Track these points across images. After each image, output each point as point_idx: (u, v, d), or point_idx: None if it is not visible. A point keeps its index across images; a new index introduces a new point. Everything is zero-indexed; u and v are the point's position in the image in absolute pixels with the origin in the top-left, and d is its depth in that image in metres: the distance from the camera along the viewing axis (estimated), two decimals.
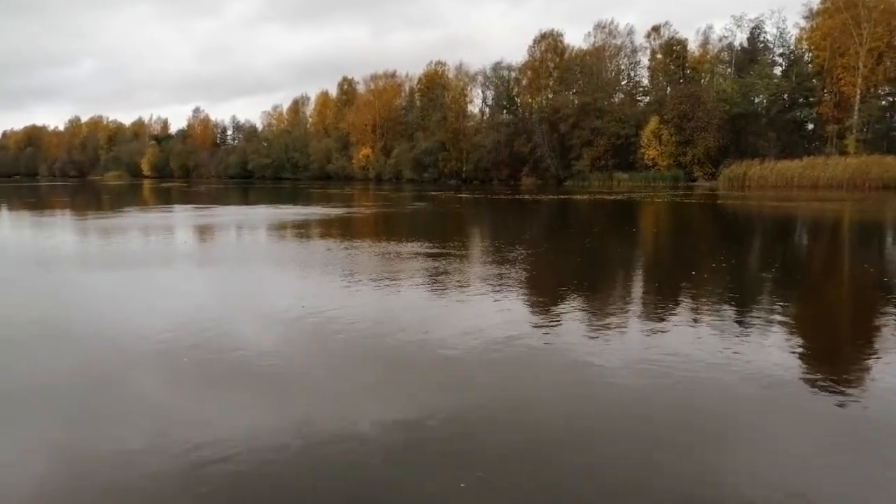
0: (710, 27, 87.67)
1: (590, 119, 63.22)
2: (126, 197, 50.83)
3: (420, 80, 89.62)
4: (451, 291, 9.94)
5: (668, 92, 65.13)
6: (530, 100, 76.39)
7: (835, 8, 53.83)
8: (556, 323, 7.96)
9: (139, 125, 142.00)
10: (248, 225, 23.41)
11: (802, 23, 59.47)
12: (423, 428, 4.78)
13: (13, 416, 5.17)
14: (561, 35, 74.09)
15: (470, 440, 4.57)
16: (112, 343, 7.19)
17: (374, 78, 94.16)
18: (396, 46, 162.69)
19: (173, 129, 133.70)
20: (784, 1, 74.31)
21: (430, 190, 54.77)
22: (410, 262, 12.88)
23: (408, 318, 8.32)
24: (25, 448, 4.59)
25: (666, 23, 70.84)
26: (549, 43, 73.91)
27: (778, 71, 61.46)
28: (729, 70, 64.36)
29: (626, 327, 7.70)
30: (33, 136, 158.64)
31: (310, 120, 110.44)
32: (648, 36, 71.00)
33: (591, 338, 7.23)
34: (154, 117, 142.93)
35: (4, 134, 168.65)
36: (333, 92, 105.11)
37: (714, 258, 13.86)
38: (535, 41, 74.40)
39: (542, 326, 7.82)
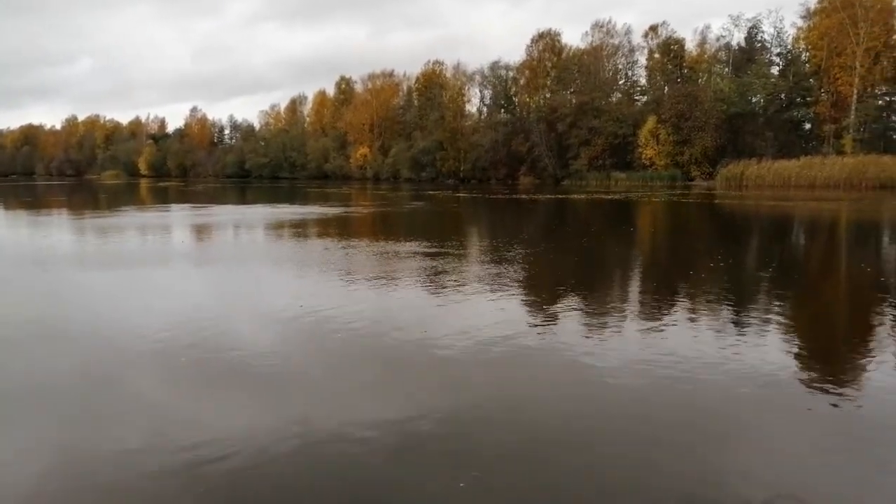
0: (707, 27, 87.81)
1: (587, 118, 63.23)
2: (123, 196, 50.75)
3: (418, 79, 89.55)
4: (449, 291, 9.94)
5: (665, 91, 65.18)
6: (528, 99, 76.36)
7: (832, 7, 53.92)
8: (554, 323, 7.97)
9: (136, 124, 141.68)
10: (246, 224, 23.39)
11: (800, 22, 59.62)
12: (421, 427, 4.78)
13: (11, 416, 5.16)
14: (558, 34, 74.14)
15: (468, 440, 4.57)
16: (109, 342, 7.18)
17: (372, 77, 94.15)
18: (396, 46, 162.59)
19: (170, 129, 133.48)
20: (781, 1, 74.55)
21: (428, 189, 54.76)
22: (408, 261, 12.88)
23: (406, 317, 8.32)
24: (23, 448, 4.59)
25: (663, 22, 70.89)
26: (547, 42, 73.92)
27: (775, 70, 61.54)
28: (726, 70, 64.41)
29: (623, 327, 7.72)
30: (30, 135, 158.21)
31: (307, 119, 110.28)
32: (646, 35, 71.11)
33: (589, 337, 7.24)
34: (151, 116, 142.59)
35: (1, 133, 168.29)
36: (331, 91, 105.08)
37: (711, 258, 13.88)
38: (532, 41, 74.44)
39: (539, 326, 7.83)
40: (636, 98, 71.39)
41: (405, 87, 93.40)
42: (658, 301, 9.36)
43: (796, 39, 60.96)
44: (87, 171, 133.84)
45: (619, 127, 62.54)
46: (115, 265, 13.05)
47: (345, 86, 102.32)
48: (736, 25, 65.35)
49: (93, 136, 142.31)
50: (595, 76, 69.29)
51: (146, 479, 4.02)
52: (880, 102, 55.08)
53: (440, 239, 17.41)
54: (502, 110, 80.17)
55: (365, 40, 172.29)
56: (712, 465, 4.21)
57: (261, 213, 29.15)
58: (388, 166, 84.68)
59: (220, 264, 13.37)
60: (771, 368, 6.02)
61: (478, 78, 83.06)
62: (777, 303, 9.33)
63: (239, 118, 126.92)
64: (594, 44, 71.54)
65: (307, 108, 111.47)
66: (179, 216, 27.74)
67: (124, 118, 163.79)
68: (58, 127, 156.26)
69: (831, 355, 6.89)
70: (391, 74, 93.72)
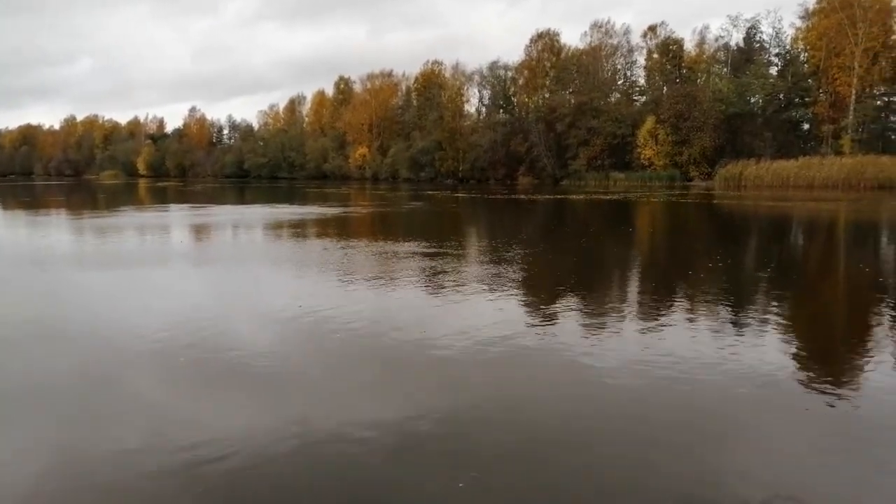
0: (706, 27, 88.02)
1: (586, 119, 63.26)
2: (122, 196, 50.72)
3: (416, 79, 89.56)
4: (448, 291, 9.94)
5: (664, 92, 65.19)
6: (527, 99, 76.39)
7: (830, 8, 53.99)
8: (553, 323, 7.98)
9: (135, 124, 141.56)
10: (245, 224, 23.38)
11: (798, 23, 59.70)
12: (420, 428, 4.78)
13: (9, 416, 5.16)
14: (557, 34, 74.20)
15: (467, 440, 4.57)
16: (108, 342, 7.18)
17: (371, 77, 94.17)
18: (394, 46, 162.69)
19: (169, 129, 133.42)
20: (780, 1, 74.72)
21: (427, 189, 54.77)
22: (407, 261, 12.89)
23: (404, 317, 8.33)
24: (22, 448, 4.59)
25: (662, 22, 70.98)
26: (546, 42, 73.96)
27: (774, 71, 61.61)
28: (725, 70, 64.48)
29: (622, 327, 7.72)
30: (28, 135, 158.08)
31: (306, 119, 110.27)
32: (645, 35, 71.18)
33: (588, 338, 7.25)
34: (150, 116, 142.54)
35: None
36: (330, 91, 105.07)
37: (710, 258, 13.89)
38: (531, 41, 74.48)
39: (538, 326, 7.83)
40: (635, 98, 71.44)
41: (404, 87, 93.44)
42: (657, 301, 9.36)
43: (795, 40, 61.06)
44: (85, 171, 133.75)
45: (618, 127, 62.58)
46: (114, 265, 13.05)
47: (343, 86, 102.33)
48: (734, 26, 65.49)
49: (91, 136, 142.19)
50: (594, 76, 69.34)
51: (145, 479, 4.02)
52: (879, 103, 55.17)
53: (439, 239, 17.42)
54: (501, 110, 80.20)
55: (364, 40, 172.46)
56: (711, 465, 4.21)
57: (259, 213, 29.14)
58: (387, 166, 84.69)
59: (218, 264, 13.37)
60: (769, 369, 6.03)
61: (476, 78, 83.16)
62: (775, 303, 9.34)
63: (238, 118, 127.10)
64: (593, 44, 71.62)
65: (306, 108, 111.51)
66: (178, 216, 27.72)
67: (123, 118, 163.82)
68: (56, 127, 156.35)
69: (830, 355, 6.90)
70: (390, 74, 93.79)
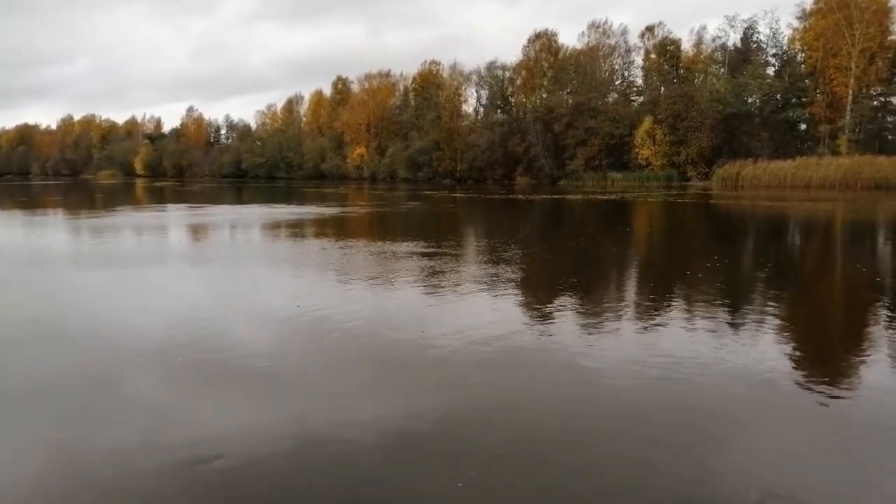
0: (703, 27, 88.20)
1: (584, 119, 63.30)
2: (119, 196, 50.64)
3: (414, 79, 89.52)
4: (447, 291, 9.94)
5: (661, 92, 65.27)
6: (524, 99, 76.43)
7: (827, 8, 54.11)
8: (552, 323, 7.98)
9: (132, 124, 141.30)
10: (242, 224, 23.35)
11: (795, 23, 59.79)
12: (420, 427, 4.78)
13: (9, 416, 5.15)
14: (555, 35, 74.25)
15: (466, 440, 4.57)
16: (107, 342, 7.17)
17: (369, 77, 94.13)
18: (393, 46, 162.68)
19: (167, 128, 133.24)
20: (777, 1, 74.92)
21: (425, 189, 54.76)
22: (405, 261, 12.88)
23: (403, 317, 8.32)
24: (22, 447, 4.58)
25: (660, 23, 71.08)
26: (544, 42, 73.99)
27: (771, 71, 61.71)
28: (722, 70, 64.56)
29: (621, 327, 7.73)
30: (25, 135, 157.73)
31: (304, 119, 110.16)
32: (642, 36, 71.21)
33: (587, 338, 7.25)
34: (147, 116, 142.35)
35: None
36: (328, 91, 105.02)
37: (708, 258, 13.91)
38: (529, 41, 74.50)
39: (537, 326, 7.84)
40: (632, 98, 71.48)
41: (402, 87, 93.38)
42: (655, 301, 9.37)
43: (792, 40, 61.17)
44: (82, 170, 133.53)
45: (616, 127, 62.63)
46: (112, 265, 13.02)
47: (341, 86, 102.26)
48: (732, 26, 65.57)
49: (89, 135, 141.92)
50: (591, 76, 69.37)
51: (144, 479, 4.02)
52: (875, 103, 55.30)
53: (437, 239, 17.41)
54: (499, 110, 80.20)
55: (362, 40, 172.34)
56: (710, 465, 4.21)
57: (257, 213, 29.12)
58: (385, 166, 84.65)
59: (216, 264, 13.35)
60: (768, 368, 6.03)
61: (474, 78, 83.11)
62: (773, 303, 9.35)
63: (235, 118, 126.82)
64: (590, 44, 71.64)
65: (304, 108, 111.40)
66: (176, 216, 27.68)
67: (120, 118, 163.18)
68: (53, 127, 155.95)
69: (828, 355, 6.91)
70: (388, 74, 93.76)
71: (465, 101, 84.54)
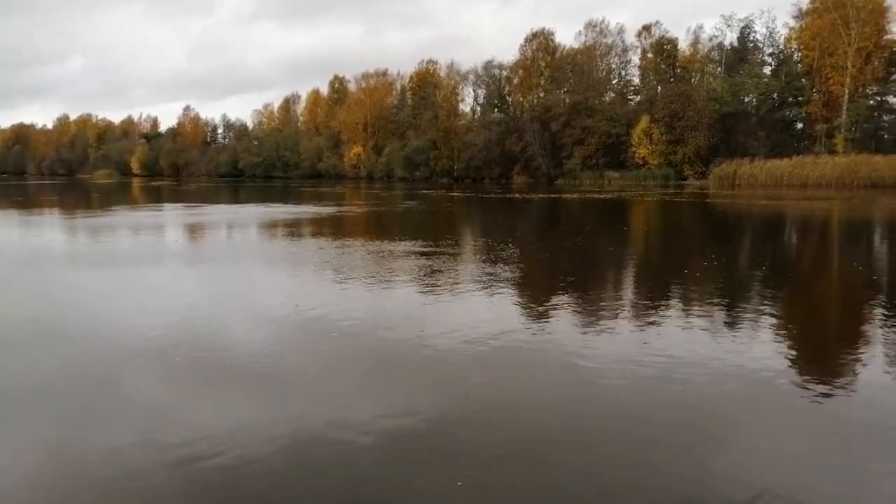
0: (700, 27, 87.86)
1: (581, 118, 63.35)
2: (115, 195, 50.52)
3: (411, 78, 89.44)
4: (445, 290, 9.93)
5: (658, 91, 65.37)
6: (521, 99, 76.44)
7: (824, 8, 54.21)
8: (550, 322, 7.97)
9: (129, 123, 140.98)
10: (239, 224, 23.31)
11: (792, 22, 59.91)
12: (419, 427, 4.77)
13: (9, 416, 5.14)
14: (552, 34, 74.25)
15: (465, 440, 4.56)
16: (107, 342, 7.14)
17: (366, 76, 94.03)
18: (390, 45, 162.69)
19: (163, 128, 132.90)
20: (774, 1, 75.04)
21: (422, 188, 54.74)
22: (403, 260, 12.87)
23: (401, 316, 8.31)
24: (22, 447, 4.56)
25: (656, 22, 71.08)
26: (541, 42, 74.00)
27: (767, 70, 61.85)
28: (719, 69, 64.66)
29: (619, 327, 7.72)
30: (21, 135, 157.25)
31: (301, 118, 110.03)
32: (639, 35, 71.27)
33: (586, 337, 7.25)
34: (144, 115, 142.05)
35: None
36: (325, 90, 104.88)
37: (705, 257, 13.92)
38: (526, 40, 74.50)
39: (535, 326, 7.83)
40: (629, 97, 71.60)
41: (399, 87, 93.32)
42: (653, 300, 9.37)
43: (788, 39, 61.30)
44: (78, 170, 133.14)
45: (613, 126, 62.69)
46: (109, 265, 12.99)
47: (338, 85, 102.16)
48: (728, 25, 65.71)
49: (85, 135, 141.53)
50: (588, 76, 69.42)
51: (144, 479, 4.00)
52: (871, 102, 55.44)
53: (434, 238, 17.40)
54: (496, 110, 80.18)
55: (360, 40, 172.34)
56: (710, 465, 4.21)
57: (254, 212, 29.07)
58: (382, 165, 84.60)
59: (213, 264, 13.33)
60: (766, 368, 6.03)
61: (471, 77, 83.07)
62: (771, 302, 9.36)
63: (232, 117, 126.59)
64: (587, 43, 71.70)
65: (301, 108, 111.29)
66: (172, 215, 27.62)
67: (116, 117, 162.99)
68: (49, 126, 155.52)
69: (827, 354, 6.92)
70: (385, 74, 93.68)
71: (463, 100, 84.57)
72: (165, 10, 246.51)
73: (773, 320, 8.03)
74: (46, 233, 20.61)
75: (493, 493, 3.85)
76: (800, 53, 59.51)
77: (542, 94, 72.67)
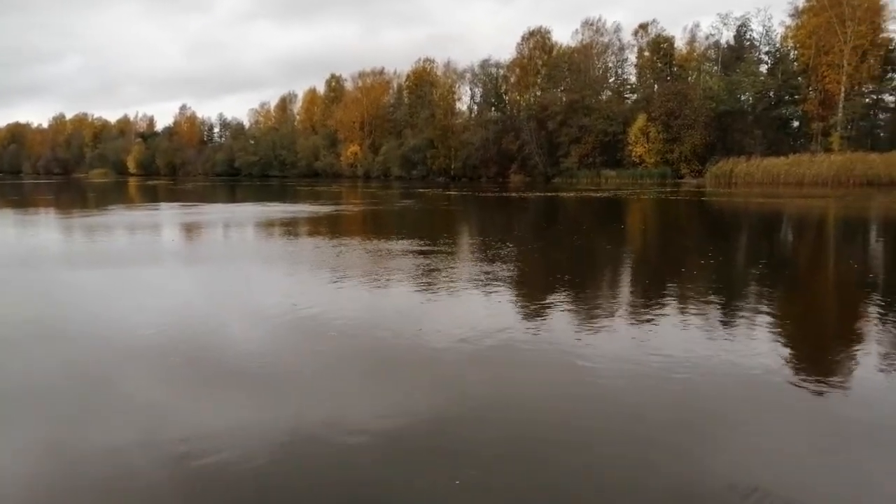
0: (696, 25, 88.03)
1: (578, 116, 63.43)
2: (111, 194, 50.40)
3: (408, 77, 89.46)
4: (443, 289, 9.92)
5: (655, 89, 65.48)
6: (518, 97, 76.53)
7: (820, 6, 54.36)
8: (549, 321, 7.96)
9: (125, 122, 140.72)
10: (236, 223, 23.27)
11: (788, 21, 60.18)
12: (418, 426, 4.76)
13: (9, 416, 5.12)
14: (549, 32, 74.43)
15: (465, 439, 4.55)
16: (107, 342, 7.11)
17: (363, 75, 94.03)
18: (387, 44, 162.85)
19: (159, 127, 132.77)
20: None
21: (419, 187, 54.71)
22: (400, 259, 12.85)
23: (399, 315, 8.30)
24: (22, 448, 4.54)
25: (653, 20, 71.29)
26: (537, 40, 74.12)
27: (764, 69, 62.01)
28: (715, 68, 64.78)
29: (618, 326, 7.72)
30: (16, 134, 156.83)
31: (297, 117, 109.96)
32: (636, 33, 71.45)
33: (585, 336, 7.24)
34: (140, 115, 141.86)
35: None
36: (321, 89, 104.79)
37: (702, 255, 13.93)
38: (523, 38, 74.69)
39: (533, 324, 7.82)
40: (626, 96, 71.74)
41: (395, 85, 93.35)
42: (651, 299, 9.37)
43: (784, 38, 61.50)
44: (74, 169, 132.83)
45: (609, 125, 62.79)
46: (107, 264, 12.95)
47: (335, 84, 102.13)
48: (725, 24, 65.90)
49: (81, 134, 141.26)
50: (585, 74, 69.51)
51: (143, 479, 3.99)
52: (867, 100, 55.65)
53: (432, 237, 17.39)
54: (493, 108, 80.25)
55: (357, 38, 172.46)
56: (710, 465, 4.20)
57: (251, 211, 29.02)
58: (379, 164, 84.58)
59: (211, 263, 13.30)
60: (766, 367, 6.03)
61: (468, 76, 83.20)
62: (769, 300, 9.37)
63: (229, 116, 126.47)
64: (584, 42, 71.82)
65: (297, 107, 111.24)
66: (169, 215, 27.56)
67: (113, 116, 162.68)
68: (45, 125, 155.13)
69: (825, 353, 6.91)
70: (381, 72, 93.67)
71: (459, 98, 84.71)
72: (162, 8, 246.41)
73: (771, 318, 8.03)
74: (43, 232, 20.54)
75: (492, 493, 3.84)
76: (796, 52, 59.69)
77: (538, 93, 72.78)
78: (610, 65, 73.18)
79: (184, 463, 4.19)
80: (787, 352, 6.68)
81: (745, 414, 5.02)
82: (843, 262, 13.59)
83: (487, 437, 4.57)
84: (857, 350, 6.75)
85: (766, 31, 63.87)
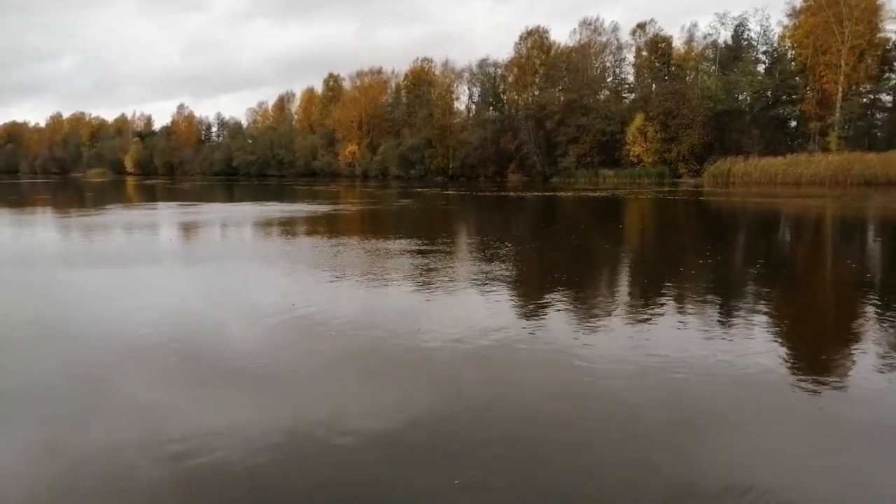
0: (694, 25, 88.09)
1: (575, 116, 63.41)
2: (109, 194, 50.31)
3: (406, 76, 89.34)
4: (441, 289, 9.93)
5: (653, 89, 65.46)
6: (516, 97, 76.48)
7: (817, 6, 54.40)
8: (548, 321, 7.97)
9: (122, 121, 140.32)
10: (234, 222, 23.25)
11: (786, 21, 60.13)
12: (417, 426, 4.76)
13: (10, 416, 5.11)
14: (546, 32, 74.36)
15: (465, 439, 4.56)
16: (107, 342, 7.11)
17: (360, 74, 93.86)
18: (384, 43, 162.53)
19: (157, 126, 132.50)
20: None
21: (417, 187, 54.70)
22: (398, 259, 12.85)
23: (397, 315, 8.30)
24: (22, 448, 4.54)
25: (651, 20, 71.22)
26: (535, 40, 74.08)
27: (761, 68, 62.02)
28: (713, 67, 64.80)
29: (616, 326, 7.73)
30: (13, 133, 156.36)
31: (295, 116, 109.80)
32: (634, 33, 71.41)
33: (584, 336, 7.25)
34: (138, 114, 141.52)
35: None
36: (319, 88, 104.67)
37: (700, 254, 13.95)
38: (521, 38, 74.60)
39: (532, 324, 7.83)
40: (624, 95, 71.70)
41: (393, 85, 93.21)
42: (650, 299, 9.38)
43: (782, 37, 61.52)
44: (72, 168, 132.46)
45: (607, 124, 62.77)
46: (106, 264, 12.94)
47: (333, 83, 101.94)
48: (723, 23, 65.85)
49: (78, 133, 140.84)
50: (583, 74, 69.47)
51: (143, 479, 3.99)
52: (865, 100, 55.73)
53: (430, 236, 17.39)
54: (491, 108, 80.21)
55: (354, 37, 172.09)
56: (710, 465, 4.21)
57: (249, 210, 28.99)
58: (377, 164, 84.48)
59: (210, 262, 13.28)
60: (765, 367, 6.04)
61: (466, 75, 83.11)
62: (767, 300, 9.39)
63: (227, 115, 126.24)
64: (582, 41, 71.77)
65: (295, 106, 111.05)
66: (167, 214, 27.53)
67: (110, 115, 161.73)
68: (42, 124, 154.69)
69: (824, 353, 6.92)
70: (379, 72, 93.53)
71: (457, 98, 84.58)
72: (160, 7, 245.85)
73: (769, 318, 8.05)
74: (41, 232, 20.51)
75: (492, 493, 3.84)
76: (793, 51, 59.70)
77: (536, 93, 72.74)
78: (608, 64, 73.19)
79: (183, 462, 4.19)
80: (785, 352, 6.69)
81: (745, 414, 5.03)
82: (841, 262, 13.62)
83: (487, 437, 4.58)
84: (856, 350, 6.76)
85: (764, 31, 63.96)
